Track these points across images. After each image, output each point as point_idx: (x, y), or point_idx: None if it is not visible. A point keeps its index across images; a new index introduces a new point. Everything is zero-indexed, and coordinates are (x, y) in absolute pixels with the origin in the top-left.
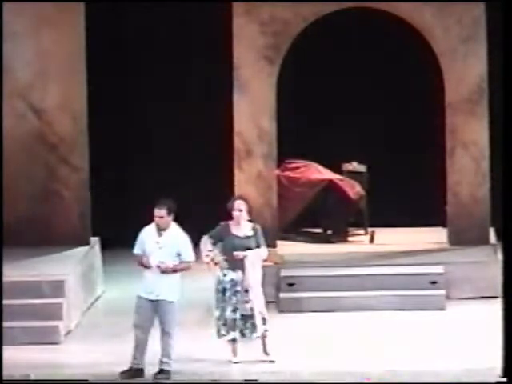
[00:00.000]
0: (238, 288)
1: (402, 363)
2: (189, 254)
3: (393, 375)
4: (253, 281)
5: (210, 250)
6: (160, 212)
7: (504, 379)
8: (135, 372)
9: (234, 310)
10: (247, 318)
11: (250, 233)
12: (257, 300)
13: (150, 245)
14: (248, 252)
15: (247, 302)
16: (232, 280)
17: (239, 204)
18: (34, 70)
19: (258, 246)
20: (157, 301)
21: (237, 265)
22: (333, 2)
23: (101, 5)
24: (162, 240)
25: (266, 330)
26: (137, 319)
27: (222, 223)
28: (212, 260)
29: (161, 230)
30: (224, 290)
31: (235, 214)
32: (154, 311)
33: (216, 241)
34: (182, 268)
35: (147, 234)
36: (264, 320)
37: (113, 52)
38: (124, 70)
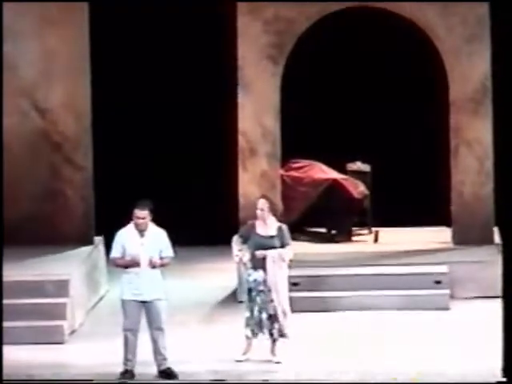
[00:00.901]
0: (261, 288)
1: (405, 363)
2: (170, 250)
3: (397, 375)
4: (275, 280)
5: (240, 250)
6: (143, 213)
7: (504, 379)
8: (130, 373)
9: (260, 310)
10: (273, 317)
11: (274, 232)
12: (280, 300)
13: (133, 246)
14: (269, 251)
15: (272, 301)
16: (255, 280)
17: (262, 203)
18: (38, 69)
19: (282, 246)
20: (148, 301)
21: (259, 264)
22: (336, 2)
23: (105, 4)
24: (146, 240)
25: (285, 331)
26: (127, 323)
27: (249, 222)
28: (241, 260)
29: (141, 230)
30: (250, 290)
31: (257, 212)
32: (141, 312)
33: (244, 240)
34: (167, 263)
35: (127, 236)
36: (284, 321)
37: (116, 51)
38: (128, 69)
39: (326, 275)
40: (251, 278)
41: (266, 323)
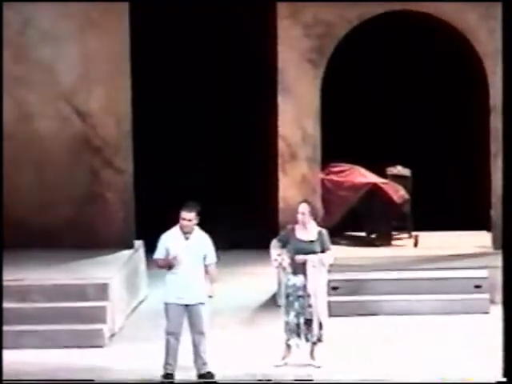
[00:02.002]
0: (301, 293)
1: (445, 367)
2: (214, 255)
3: (436, 378)
4: (314, 285)
5: (279, 255)
6: (189, 215)
7: (504, 379)
8: (171, 377)
9: (297, 315)
10: (310, 322)
11: (315, 237)
12: (317, 305)
13: (178, 249)
14: (309, 256)
15: (310, 306)
16: (294, 285)
17: (303, 207)
18: (78, 72)
19: (322, 251)
20: (191, 305)
21: (299, 269)
22: (377, 5)
23: (145, 5)
24: (191, 243)
25: (322, 335)
26: (170, 326)
27: (289, 226)
28: (280, 264)
29: (186, 233)
30: (288, 295)
31: (298, 216)
32: (184, 316)
33: (283, 244)
34: (216, 271)
35: (172, 238)
36: (321, 325)
37: (156, 54)
38: (167, 72)
39: (366, 279)
40: (290, 283)
41: (303, 328)
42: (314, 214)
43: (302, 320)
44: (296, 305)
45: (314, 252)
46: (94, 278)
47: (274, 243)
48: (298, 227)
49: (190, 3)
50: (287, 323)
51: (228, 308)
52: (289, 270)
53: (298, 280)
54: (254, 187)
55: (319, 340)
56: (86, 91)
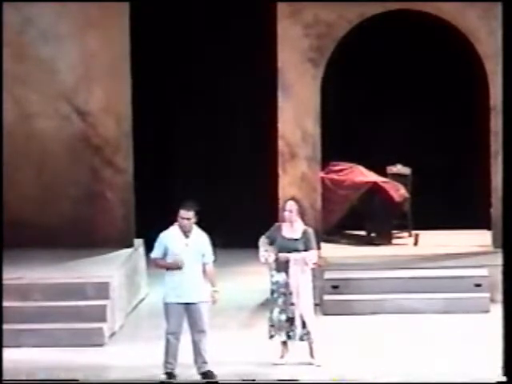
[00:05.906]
0: (283, 290)
1: (446, 365)
2: (211, 254)
3: (437, 377)
4: (297, 283)
5: (266, 251)
6: (188, 214)
7: (504, 379)
8: (171, 376)
9: (281, 312)
10: (293, 320)
11: (299, 235)
12: (300, 303)
13: (178, 247)
14: (292, 254)
15: (292, 304)
16: (277, 282)
17: (290, 205)
18: (79, 72)
19: (306, 250)
20: (191, 303)
21: (282, 266)
22: (377, 5)
23: (145, 5)
24: (190, 242)
25: (305, 334)
26: (170, 326)
27: (277, 223)
28: (266, 260)
29: (186, 232)
30: (273, 292)
31: (285, 214)
32: (184, 315)
33: (271, 241)
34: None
35: (171, 237)
36: (304, 324)
37: (157, 53)
38: (168, 72)
39: (366, 278)
40: (274, 280)
41: (285, 325)
42: (301, 212)
43: (283, 317)
44: (279, 301)
45: (296, 250)
46: (94, 276)
47: (262, 240)
48: (284, 225)
49: (190, 3)
50: (271, 319)
51: (227, 308)
52: (273, 266)
53: (281, 277)
54: (254, 186)
55: (301, 339)
56: (86, 90)
